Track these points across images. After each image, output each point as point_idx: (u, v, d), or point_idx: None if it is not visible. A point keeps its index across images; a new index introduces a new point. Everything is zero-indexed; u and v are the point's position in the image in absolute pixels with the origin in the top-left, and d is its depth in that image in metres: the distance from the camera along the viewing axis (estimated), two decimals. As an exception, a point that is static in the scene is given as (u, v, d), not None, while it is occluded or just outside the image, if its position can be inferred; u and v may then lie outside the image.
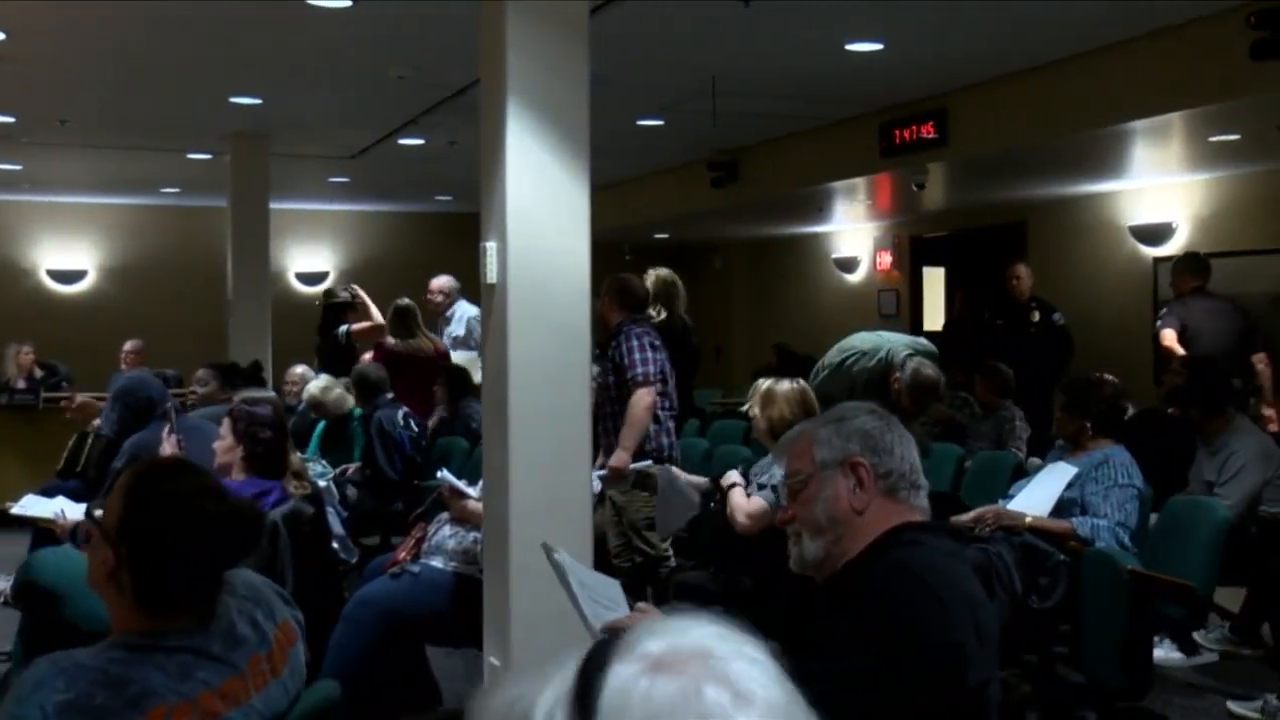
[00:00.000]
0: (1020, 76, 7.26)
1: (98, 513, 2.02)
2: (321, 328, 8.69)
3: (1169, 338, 7.20)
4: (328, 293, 8.89)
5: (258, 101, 7.86)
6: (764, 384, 4.49)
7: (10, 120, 8.50)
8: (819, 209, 11.75)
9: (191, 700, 1.83)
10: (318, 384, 6.89)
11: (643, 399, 5.01)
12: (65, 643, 1.96)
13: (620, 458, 4.98)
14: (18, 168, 10.91)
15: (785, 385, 4.48)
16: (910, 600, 1.87)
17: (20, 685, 1.79)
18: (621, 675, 0.83)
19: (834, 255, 13.54)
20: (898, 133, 8.27)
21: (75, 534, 4.22)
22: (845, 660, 1.83)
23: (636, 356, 5.05)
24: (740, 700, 0.82)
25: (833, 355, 6.58)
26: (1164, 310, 7.64)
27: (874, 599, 1.91)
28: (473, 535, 4.30)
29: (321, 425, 7.00)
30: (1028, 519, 4.32)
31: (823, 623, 1.96)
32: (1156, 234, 9.72)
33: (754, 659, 0.86)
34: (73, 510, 4.43)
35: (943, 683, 1.85)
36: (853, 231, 13.28)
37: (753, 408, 4.49)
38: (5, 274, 13.27)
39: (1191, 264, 7.42)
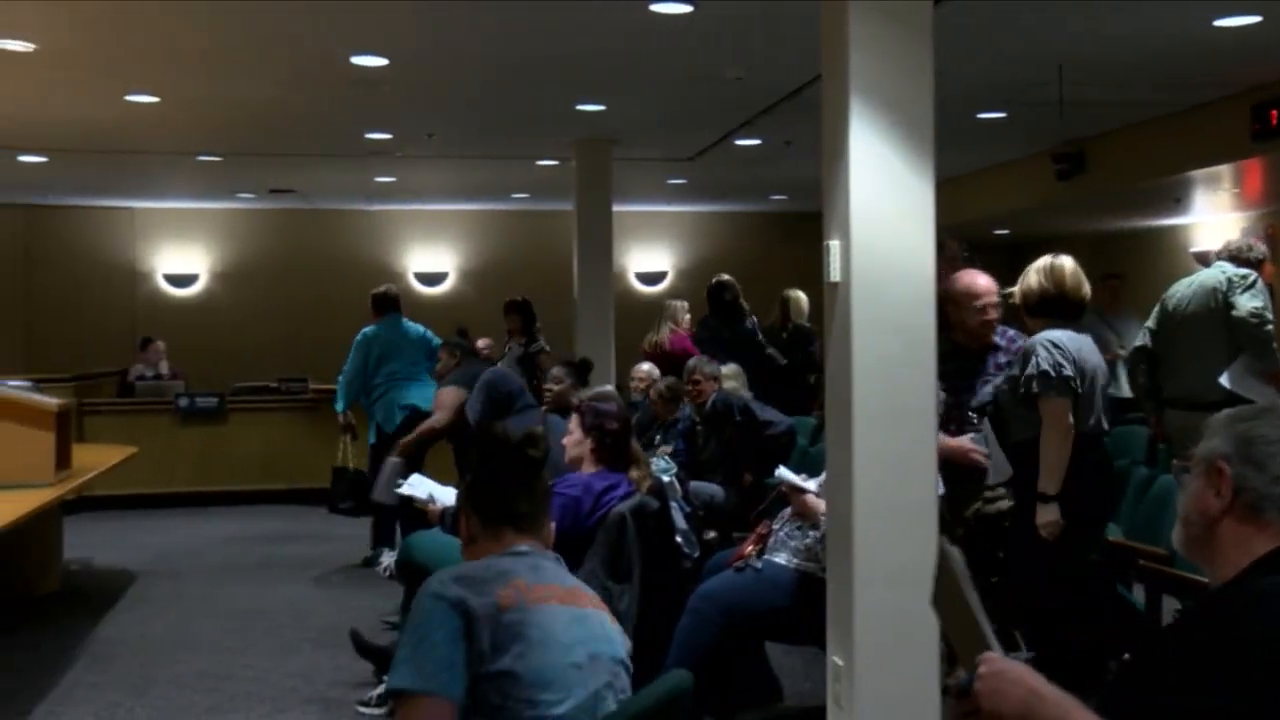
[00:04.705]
0: None
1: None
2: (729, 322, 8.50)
3: None
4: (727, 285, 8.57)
5: (601, 108, 8.20)
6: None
7: (388, 137, 9.31)
8: (1176, 200, 10.94)
9: (544, 584, 2.31)
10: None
11: None
12: None
13: None
14: (393, 179, 11.93)
15: (1042, 260, 4.48)
16: None
17: (416, 597, 2.27)
18: None
19: (1192, 249, 12.57)
20: (1275, 113, 7.59)
21: (444, 518, 4.58)
22: (1207, 698, 1.60)
23: None
24: None
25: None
26: None
27: (1248, 629, 1.66)
28: (815, 533, 4.31)
29: None
30: None
31: (1178, 649, 1.74)
32: None
33: None
34: (441, 495, 4.80)
35: None
36: (1214, 223, 12.28)
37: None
38: (379, 278, 14.46)
39: None
